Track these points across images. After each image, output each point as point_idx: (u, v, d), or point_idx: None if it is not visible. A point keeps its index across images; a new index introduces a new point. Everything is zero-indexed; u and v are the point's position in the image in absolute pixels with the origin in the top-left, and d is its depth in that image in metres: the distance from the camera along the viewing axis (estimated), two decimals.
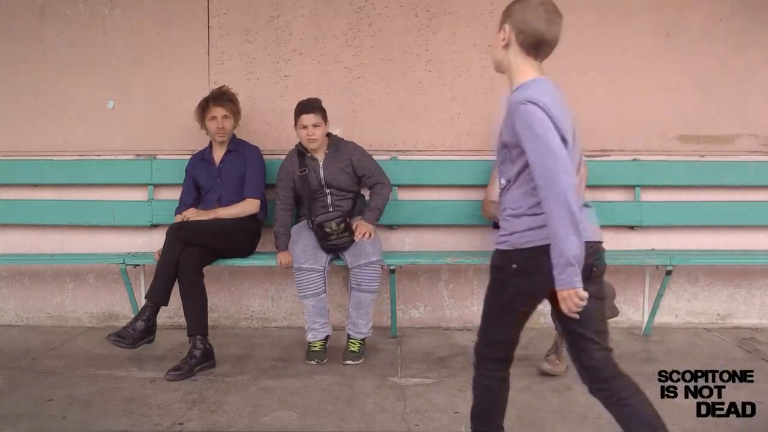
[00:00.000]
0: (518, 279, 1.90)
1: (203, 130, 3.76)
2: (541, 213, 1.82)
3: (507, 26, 1.92)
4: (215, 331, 3.50)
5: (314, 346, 3.41)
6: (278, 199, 3.63)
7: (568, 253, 1.74)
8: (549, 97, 1.85)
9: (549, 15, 1.89)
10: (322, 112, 3.53)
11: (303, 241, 3.48)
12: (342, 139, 3.69)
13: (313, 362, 3.35)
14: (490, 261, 1.99)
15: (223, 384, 3.05)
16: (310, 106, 3.50)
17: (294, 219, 3.70)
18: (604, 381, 1.96)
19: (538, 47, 1.91)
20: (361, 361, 3.38)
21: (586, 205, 1.97)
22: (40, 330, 4.02)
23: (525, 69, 1.93)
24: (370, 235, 3.50)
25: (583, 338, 1.93)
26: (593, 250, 1.90)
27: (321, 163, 3.59)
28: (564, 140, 1.80)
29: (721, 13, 4.02)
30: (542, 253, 1.81)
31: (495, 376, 2.06)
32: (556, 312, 1.90)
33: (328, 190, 3.58)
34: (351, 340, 3.45)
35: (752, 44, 4.03)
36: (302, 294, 3.43)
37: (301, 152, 3.61)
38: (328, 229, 3.40)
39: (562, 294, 1.77)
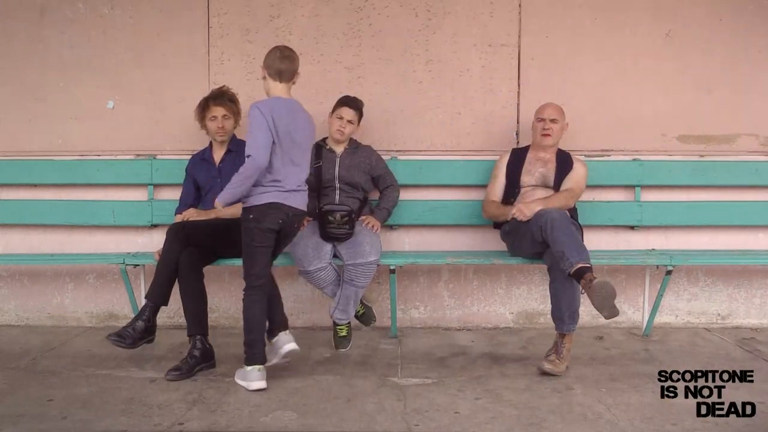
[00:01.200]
0: (253, 224, 2.98)
1: (203, 129, 3.76)
2: (260, 183, 2.96)
3: (262, 66, 3.07)
4: (215, 331, 3.50)
5: (341, 331, 3.57)
6: None
7: (231, 192, 2.97)
8: (271, 107, 2.96)
9: (283, 56, 3.03)
10: (360, 114, 3.68)
11: (303, 242, 3.50)
12: (360, 142, 3.80)
13: (342, 349, 3.54)
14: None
15: (223, 384, 3.05)
16: (353, 103, 3.66)
17: None
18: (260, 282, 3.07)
19: (280, 74, 3.03)
20: (349, 347, 3.58)
21: (302, 189, 3.09)
22: (40, 330, 4.02)
23: (274, 90, 3.05)
24: (376, 228, 3.63)
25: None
26: (291, 213, 3.03)
27: (339, 157, 3.66)
28: (278, 136, 2.94)
29: (721, 13, 4.02)
30: (271, 207, 2.97)
31: (256, 299, 3.04)
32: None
33: (338, 185, 3.65)
34: (339, 327, 3.58)
35: (752, 44, 4.03)
36: (320, 289, 3.57)
37: (319, 145, 3.70)
38: (330, 217, 3.49)
39: (217, 205, 3.05)
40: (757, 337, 3.85)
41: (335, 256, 3.56)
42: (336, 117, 3.63)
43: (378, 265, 3.55)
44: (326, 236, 3.53)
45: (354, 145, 3.74)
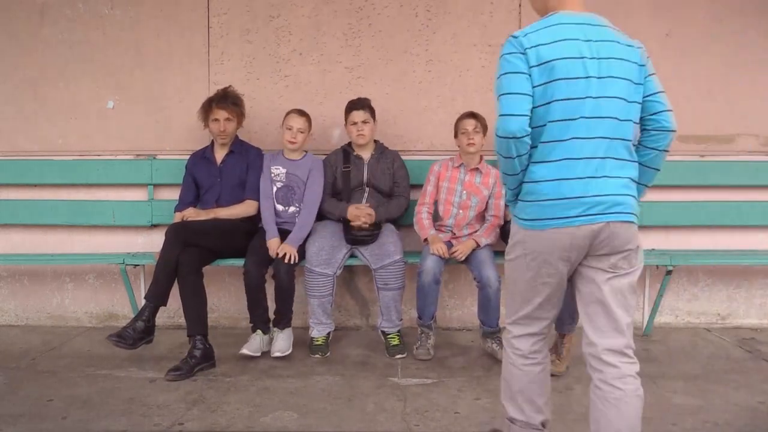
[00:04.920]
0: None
1: (206, 129, 3.76)
2: None
3: None
4: (215, 331, 3.50)
5: (317, 341, 3.49)
6: (324, 191, 3.68)
7: None
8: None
9: None
10: (371, 110, 3.65)
11: (319, 242, 3.51)
12: (386, 146, 3.79)
13: (317, 356, 3.43)
14: None
15: (223, 384, 3.05)
16: (360, 104, 3.63)
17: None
18: None
19: None
20: (405, 354, 3.45)
21: None
22: (40, 330, 4.02)
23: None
24: (370, 216, 3.52)
25: None
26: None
27: (366, 163, 3.66)
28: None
29: (721, 14, 4.03)
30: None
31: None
32: None
33: (367, 188, 3.66)
34: (390, 336, 3.54)
35: (752, 44, 4.03)
36: (309, 293, 3.50)
37: (346, 151, 3.71)
38: (353, 222, 3.48)
39: None
40: (757, 337, 3.85)
41: (353, 255, 3.57)
42: (350, 124, 3.63)
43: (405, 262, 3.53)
44: (351, 240, 3.50)
45: (380, 151, 3.72)
